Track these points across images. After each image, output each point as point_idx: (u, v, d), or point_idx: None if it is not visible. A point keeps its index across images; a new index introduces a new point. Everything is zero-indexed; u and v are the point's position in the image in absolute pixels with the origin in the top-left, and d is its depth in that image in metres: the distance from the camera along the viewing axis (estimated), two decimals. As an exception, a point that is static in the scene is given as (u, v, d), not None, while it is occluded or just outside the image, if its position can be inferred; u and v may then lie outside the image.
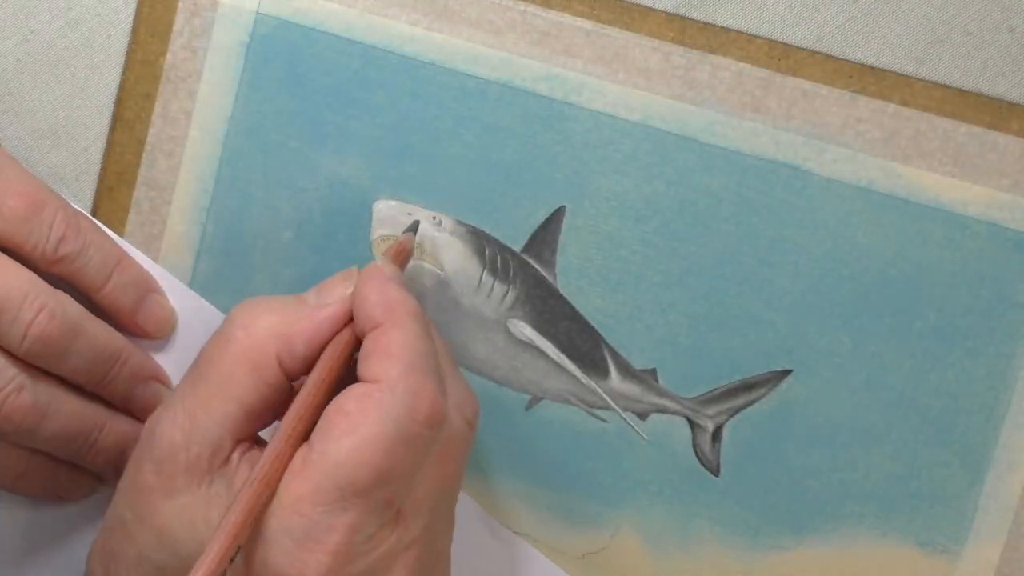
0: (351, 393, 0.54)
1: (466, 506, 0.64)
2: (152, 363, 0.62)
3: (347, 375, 0.56)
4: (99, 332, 0.60)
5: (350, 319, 0.56)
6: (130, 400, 0.61)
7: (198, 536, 0.54)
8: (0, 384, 0.58)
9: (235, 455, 0.55)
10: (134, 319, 0.62)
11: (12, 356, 0.58)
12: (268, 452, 0.54)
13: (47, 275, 0.59)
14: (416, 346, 0.55)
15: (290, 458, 0.54)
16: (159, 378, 0.62)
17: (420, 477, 0.55)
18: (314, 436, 0.54)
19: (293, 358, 0.56)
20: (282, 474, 0.53)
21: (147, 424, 0.56)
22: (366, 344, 0.55)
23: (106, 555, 0.56)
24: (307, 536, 0.52)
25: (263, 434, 0.57)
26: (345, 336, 0.56)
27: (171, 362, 0.63)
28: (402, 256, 0.61)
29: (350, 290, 0.57)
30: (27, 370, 0.58)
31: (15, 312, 0.57)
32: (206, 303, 0.63)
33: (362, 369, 0.55)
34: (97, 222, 0.62)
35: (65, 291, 0.59)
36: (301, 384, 0.56)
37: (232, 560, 0.51)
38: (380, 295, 0.56)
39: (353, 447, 0.53)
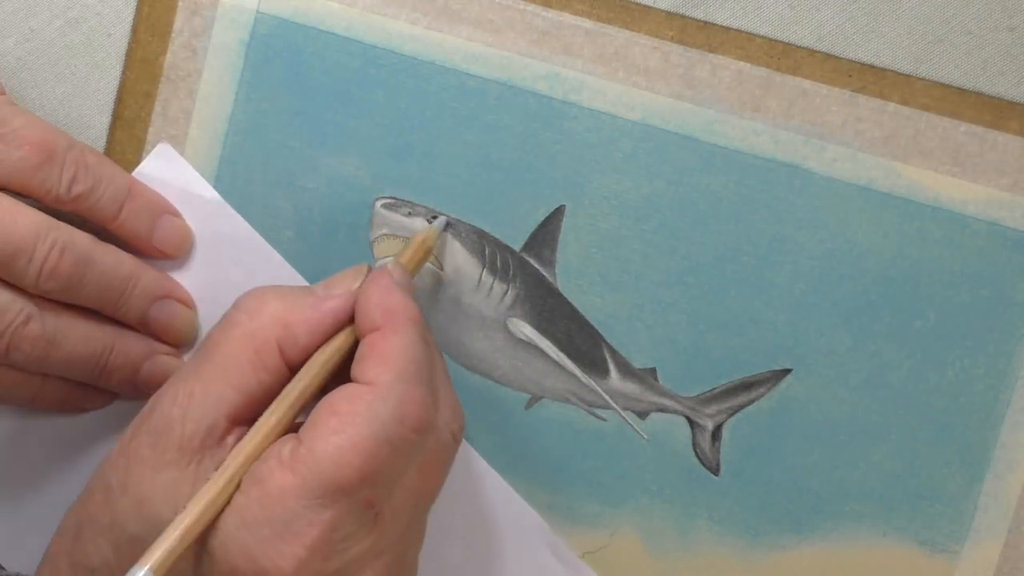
0: (343, 393, 0.54)
1: (493, 481, 0.63)
2: (167, 281, 0.63)
3: (341, 372, 0.56)
4: (109, 259, 0.60)
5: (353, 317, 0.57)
6: (146, 321, 0.62)
7: (179, 512, 0.54)
8: (9, 317, 0.58)
9: (230, 438, 0.55)
10: (150, 242, 0.62)
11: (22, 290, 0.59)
12: (246, 442, 0.54)
13: (60, 213, 0.60)
14: (412, 354, 0.55)
15: (262, 450, 0.54)
16: (174, 295, 0.63)
17: (401, 484, 0.55)
18: (303, 431, 0.54)
19: (295, 346, 0.56)
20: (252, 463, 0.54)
21: (151, 397, 0.57)
22: (363, 346, 0.56)
23: (81, 516, 0.56)
24: (287, 528, 0.53)
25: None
26: (345, 333, 0.57)
27: (195, 282, 0.63)
28: (421, 253, 0.61)
29: (356, 285, 0.57)
30: (38, 301, 0.59)
31: (30, 253, 0.58)
32: (232, 211, 0.63)
33: (356, 370, 0.55)
34: (102, 154, 0.62)
35: (79, 224, 0.60)
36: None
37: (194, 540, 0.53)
38: (383, 298, 0.56)
39: (342, 446, 0.53)
